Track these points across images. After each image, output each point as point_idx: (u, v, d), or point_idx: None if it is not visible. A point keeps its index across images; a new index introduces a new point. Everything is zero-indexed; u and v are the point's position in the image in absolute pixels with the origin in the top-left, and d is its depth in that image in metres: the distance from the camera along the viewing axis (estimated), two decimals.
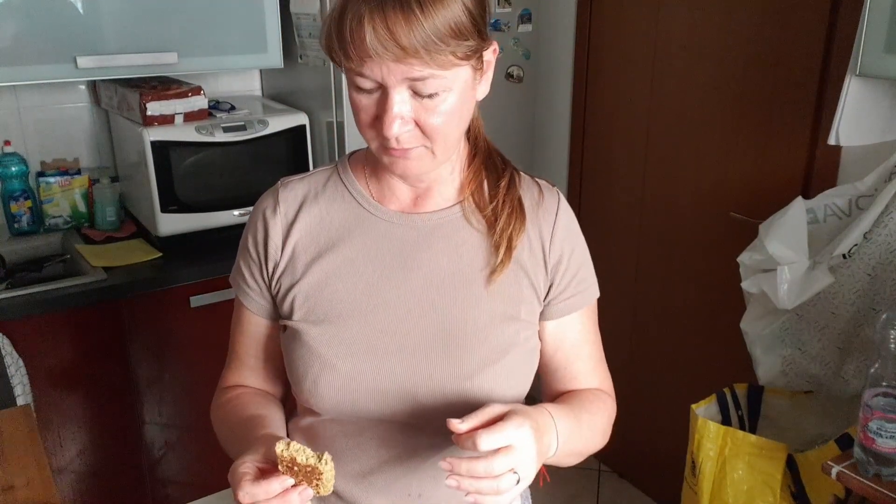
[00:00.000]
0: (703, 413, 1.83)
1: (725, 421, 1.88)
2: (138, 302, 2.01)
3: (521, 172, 1.04)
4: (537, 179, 1.05)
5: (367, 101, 0.85)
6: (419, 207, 0.99)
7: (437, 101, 0.84)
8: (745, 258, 1.82)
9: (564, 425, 0.91)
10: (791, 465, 1.74)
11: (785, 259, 1.71)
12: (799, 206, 1.74)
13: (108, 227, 2.33)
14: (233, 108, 2.31)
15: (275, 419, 1.00)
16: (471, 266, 0.96)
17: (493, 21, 2.57)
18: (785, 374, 1.86)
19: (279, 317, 1.02)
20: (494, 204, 0.98)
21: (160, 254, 2.14)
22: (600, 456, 2.89)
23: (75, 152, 2.40)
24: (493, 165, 1.01)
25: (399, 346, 0.94)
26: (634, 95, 2.45)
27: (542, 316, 1.02)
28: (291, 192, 1.01)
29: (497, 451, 0.77)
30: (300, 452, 0.77)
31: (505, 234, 0.96)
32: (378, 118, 0.85)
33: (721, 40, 2.13)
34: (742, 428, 1.88)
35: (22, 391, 1.81)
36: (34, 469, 1.28)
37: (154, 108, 2.07)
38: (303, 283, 0.98)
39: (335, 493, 0.98)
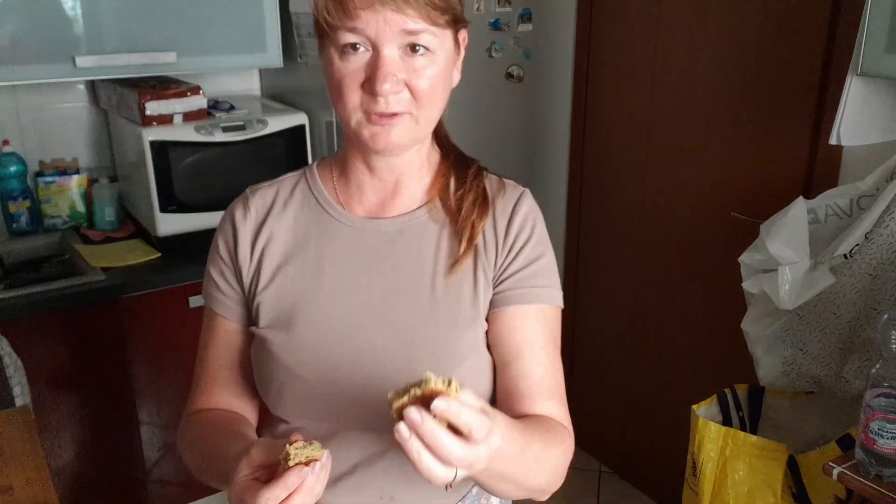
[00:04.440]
0: (704, 414, 1.82)
1: (726, 421, 1.87)
2: (137, 302, 2.01)
3: (493, 173, 1.04)
4: (505, 180, 1.03)
5: (356, 65, 0.85)
6: (386, 210, 0.98)
7: (426, 61, 0.86)
8: (746, 258, 1.82)
9: (507, 443, 0.76)
10: (792, 466, 1.74)
11: (786, 259, 1.71)
12: (800, 205, 1.74)
13: (106, 227, 2.32)
14: (232, 107, 2.31)
15: (251, 436, 0.98)
16: (434, 266, 0.96)
17: (493, 21, 2.57)
18: (786, 375, 1.85)
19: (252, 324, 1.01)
20: (460, 193, 0.98)
21: (159, 254, 2.14)
22: (601, 456, 2.89)
23: (74, 152, 2.39)
24: (463, 163, 1.02)
25: (362, 353, 0.93)
26: (635, 95, 2.45)
27: (492, 304, 0.96)
28: (260, 198, 1.02)
29: (462, 436, 0.67)
30: (306, 449, 0.76)
31: (468, 221, 0.95)
32: (369, 80, 0.85)
33: (722, 40, 2.13)
34: (743, 429, 1.87)
35: (20, 392, 1.81)
36: (33, 470, 1.27)
37: (153, 107, 2.07)
38: (269, 290, 0.98)
39: None
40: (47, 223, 2.32)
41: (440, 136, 1.02)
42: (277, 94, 2.56)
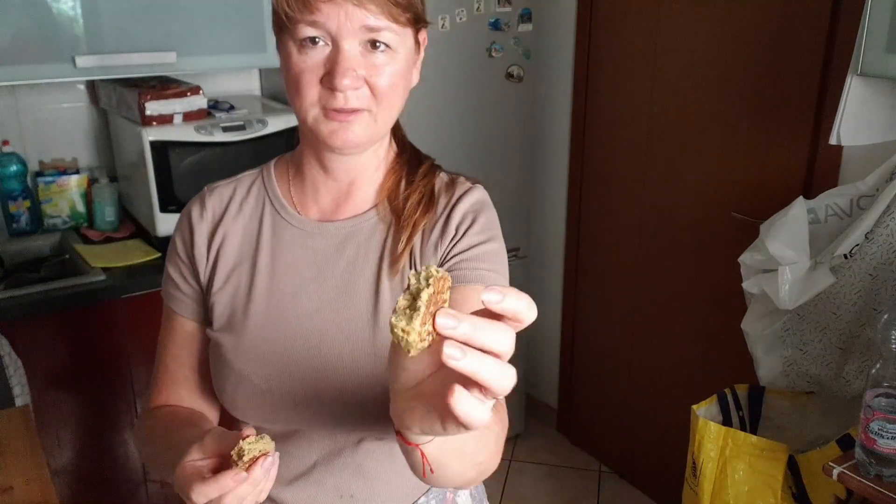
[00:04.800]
0: (704, 414, 1.83)
1: (726, 421, 1.87)
2: (137, 302, 2.01)
3: (447, 172, 1.01)
4: (459, 177, 1.00)
5: (315, 59, 0.84)
6: (338, 213, 0.97)
7: (386, 59, 0.84)
8: (746, 258, 1.82)
9: None
10: (792, 466, 1.74)
11: (786, 259, 1.71)
12: (800, 206, 1.74)
13: (106, 227, 2.32)
14: (232, 107, 2.31)
15: (213, 426, 0.97)
16: (379, 267, 0.94)
17: (493, 21, 2.57)
18: (786, 375, 1.85)
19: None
20: (406, 192, 0.96)
21: (159, 254, 2.14)
22: (601, 456, 2.89)
23: (74, 152, 2.39)
24: (416, 162, 1.00)
25: (311, 356, 0.92)
26: (635, 95, 2.45)
27: None
28: (217, 197, 1.02)
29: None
30: (258, 443, 0.76)
31: (410, 220, 0.93)
32: (328, 74, 0.83)
33: (722, 40, 2.13)
34: (743, 429, 1.87)
35: (20, 392, 1.81)
36: (33, 470, 1.27)
37: (153, 107, 2.07)
38: (222, 292, 0.97)
39: (268, 498, 0.95)
40: (47, 223, 2.32)
41: (397, 135, 1.01)
42: (277, 94, 2.56)
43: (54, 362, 1.94)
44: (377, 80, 0.85)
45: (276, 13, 0.86)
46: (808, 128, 1.94)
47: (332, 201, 0.98)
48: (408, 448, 0.65)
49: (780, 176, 2.02)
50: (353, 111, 0.85)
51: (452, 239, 0.93)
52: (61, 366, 1.95)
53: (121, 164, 2.38)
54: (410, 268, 0.93)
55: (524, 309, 0.51)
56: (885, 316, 1.36)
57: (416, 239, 0.93)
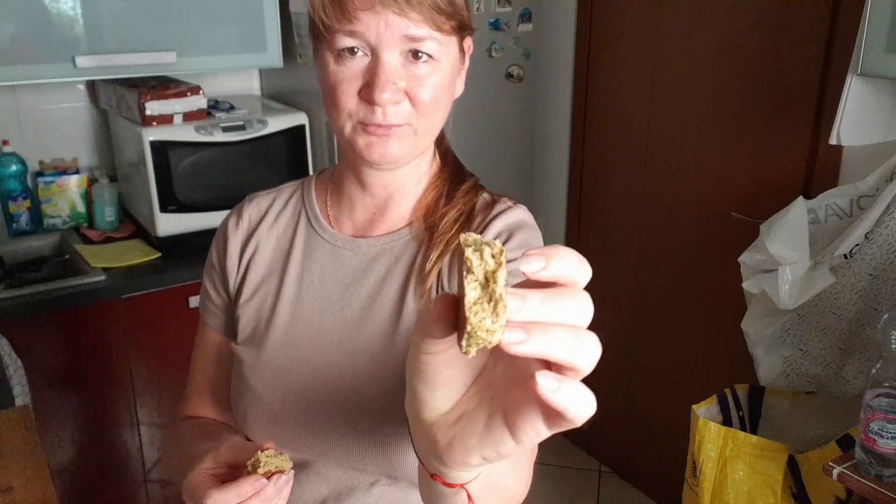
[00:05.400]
0: (704, 413, 1.83)
1: (726, 421, 1.87)
2: (137, 302, 2.01)
3: (490, 193, 0.94)
4: (501, 197, 0.93)
5: (353, 70, 0.79)
6: (372, 229, 0.92)
7: (429, 69, 0.79)
8: (746, 258, 1.82)
9: None
10: (792, 466, 1.74)
11: (786, 259, 1.71)
12: (800, 206, 1.74)
13: (106, 227, 2.32)
14: (232, 107, 2.31)
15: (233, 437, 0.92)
16: (406, 288, 0.88)
17: (493, 21, 2.57)
18: (786, 375, 1.85)
19: None
20: (445, 209, 0.90)
21: (159, 254, 2.14)
22: (601, 456, 2.89)
23: (74, 152, 2.39)
24: (458, 179, 0.94)
25: (330, 380, 0.87)
26: (635, 95, 2.45)
27: None
28: (255, 206, 0.98)
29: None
30: (276, 458, 0.74)
31: (443, 237, 0.87)
32: (367, 85, 0.78)
33: (722, 39, 2.13)
34: (743, 429, 1.87)
35: (20, 392, 1.81)
36: (33, 470, 1.27)
37: (153, 107, 2.07)
38: (249, 304, 0.94)
39: None
40: (47, 223, 2.32)
41: (441, 147, 0.95)
42: (277, 94, 2.56)
43: (54, 362, 1.94)
44: (419, 92, 0.80)
45: (311, 20, 0.81)
46: (808, 128, 1.94)
47: (367, 217, 0.93)
48: (447, 491, 0.54)
49: (780, 176, 2.02)
50: (393, 126, 0.80)
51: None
52: (61, 366, 1.95)
53: (121, 164, 2.38)
54: (437, 290, 0.87)
55: (576, 268, 0.41)
56: (885, 316, 1.36)
57: (446, 259, 0.87)
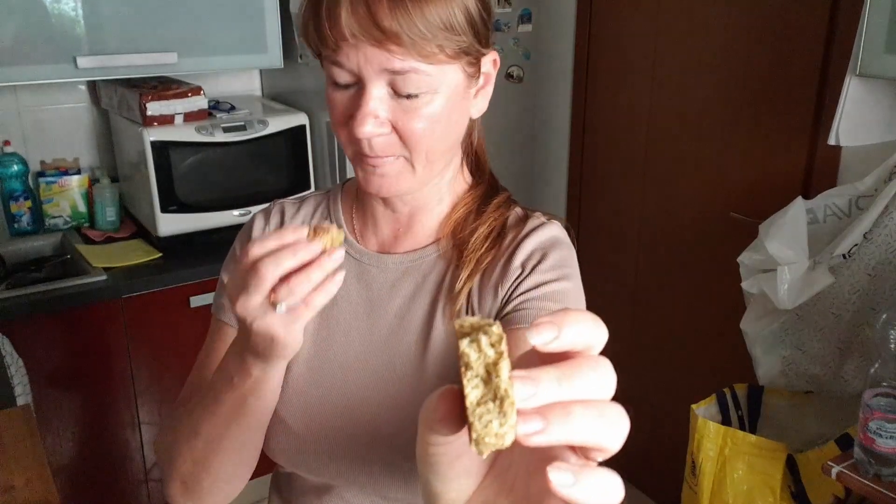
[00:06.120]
0: (703, 413, 1.83)
1: (725, 421, 1.87)
2: (138, 302, 2.01)
3: (523, 207, 0.90)
4: (534, 212, 0.89)
5: (342, 98, 0.75)
6: (398, 245, 0.88)
7: (418, 102, 0.73)
8: (745, 258, 1.82)
9: None
10: (791, 466, 1.74)
11: (785, 259, 1.71)
12: (799, 206, 1.74)
13: (107, 227, 2.33)
14: (233, 108, 2.31)
15: None
16: (434, 307, 0.84)
17: (493, 21, 2.58)
18: (785, 375, 1.86)
19: None
20: (475, 225, 0.85)
21: (160, 254, 2.14)
22: None
23: (75, 152, 2.40)
24: (490, 195, 0.89)
25: (355, 405, 0.84)
26: (634, 95, 2.45)
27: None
28: (281, 213, 0.94)
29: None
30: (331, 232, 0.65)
31: (473, 255, 0.83)
32: (351, 117, 0.74)
33: (721, 40, 2.13)
34: (742, 428, 1.88)
35: (22, 391, 1.81)
36: (34, 469, 1.28)
37: (154, 108, 2.07)
38: None
39: None
40: (48, 223, 2.33)
41: (479, 162, 0.90)
42: (278, 95, 2.56)
43: (55, 362, 1.94)
44: (406, 124, 0.74)
45: None
46: (807, 128, 1.94)
47: (391, 233, 0.89)
48: None
49: (779, 176, 2.03)
50: (381, 157, 0.76)
51: (518, 278, 0.81)
52: (62, 365, 1.96)
53: (122, 164, 2.38)
54: (468, 311, 0.82)
55: (592, 333, 0.39)
56: (884, 316, 1.36)
57: (477, 278, 0.83)
